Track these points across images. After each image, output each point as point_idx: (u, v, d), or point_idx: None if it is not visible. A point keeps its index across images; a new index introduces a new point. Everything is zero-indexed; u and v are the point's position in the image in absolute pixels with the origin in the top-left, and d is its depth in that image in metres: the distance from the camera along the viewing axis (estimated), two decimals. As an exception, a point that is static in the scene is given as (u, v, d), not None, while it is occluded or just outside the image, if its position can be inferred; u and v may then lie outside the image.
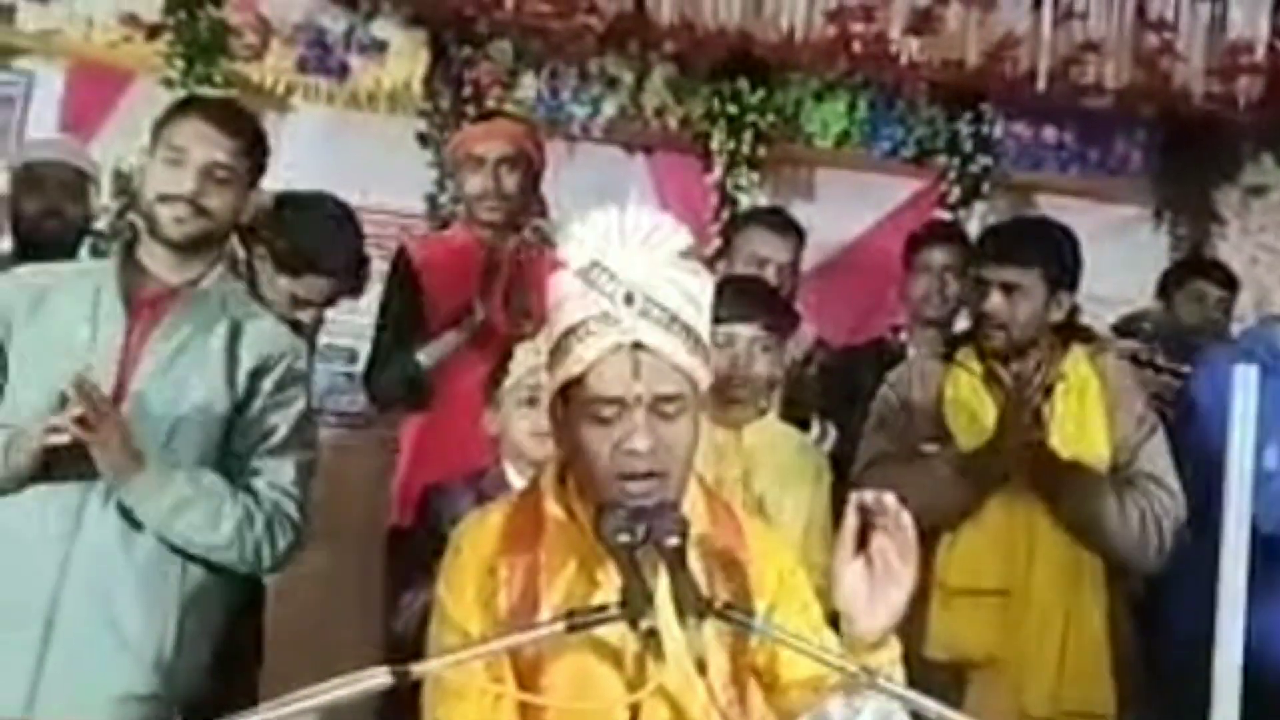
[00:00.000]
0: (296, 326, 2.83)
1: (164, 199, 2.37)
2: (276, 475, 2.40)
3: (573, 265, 1.65)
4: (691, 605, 1.51)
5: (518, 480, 2.48)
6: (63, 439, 2.21)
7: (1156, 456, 2.80)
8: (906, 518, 1.61)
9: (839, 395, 3.40)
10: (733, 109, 4.45)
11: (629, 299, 1.63)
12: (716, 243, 4.26)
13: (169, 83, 4.22)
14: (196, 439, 2.35)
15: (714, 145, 4.48)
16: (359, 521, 3.68)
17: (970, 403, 2.83)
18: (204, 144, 2.38)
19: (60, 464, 2.26)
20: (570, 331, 1.65)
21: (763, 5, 4.19)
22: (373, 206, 4.43)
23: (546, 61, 4.44)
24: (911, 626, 2.64)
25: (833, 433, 3.29)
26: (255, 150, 2.47)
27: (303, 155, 4.46)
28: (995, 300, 2.80)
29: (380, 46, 4.41)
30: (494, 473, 2.62)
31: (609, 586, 1.63)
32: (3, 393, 2.34)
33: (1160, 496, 2.76)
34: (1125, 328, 3.98)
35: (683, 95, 4.52)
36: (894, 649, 1.65)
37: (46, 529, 2.28)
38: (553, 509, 1.73)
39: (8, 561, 2.28)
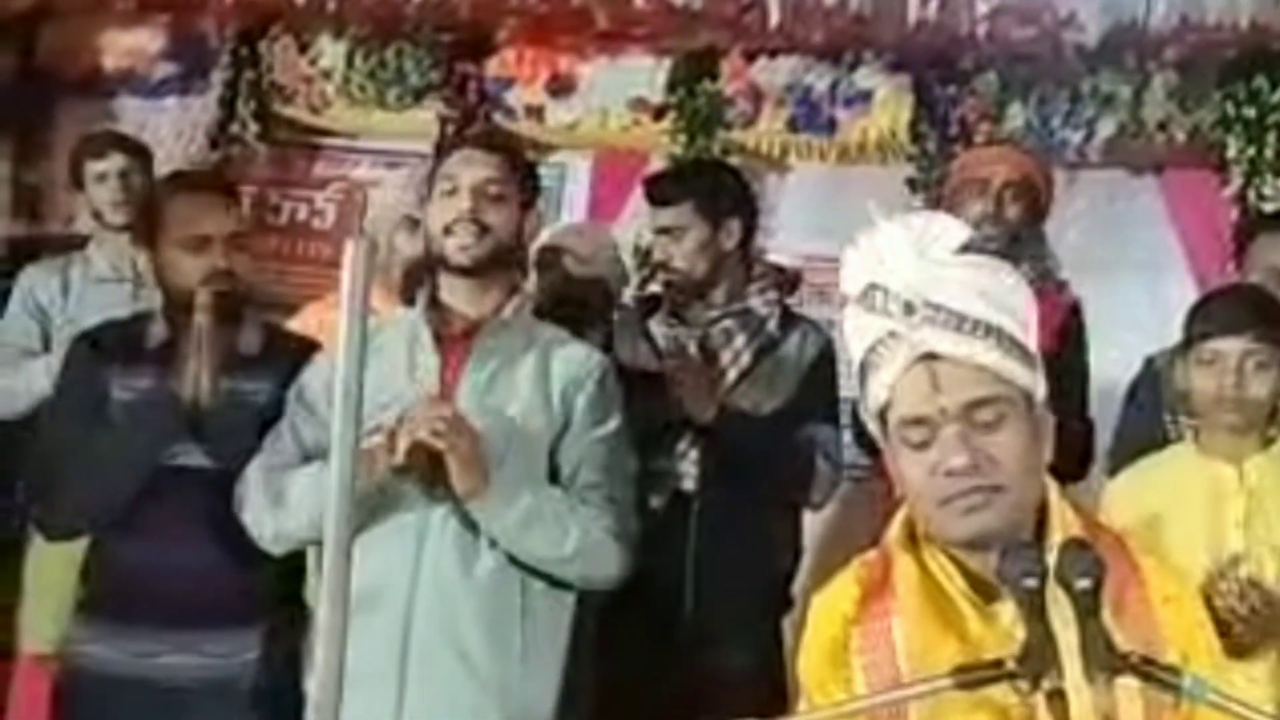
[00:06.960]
0: None
1: (446, 230, 2.49)
2: (608, 491, 2.46)
3: (852, 296, 1.56)
4: (1102, 659, 1.35)
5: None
6: (426, 439, 2.28)
7: None
8: None
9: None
10: (1249, 111, 3.99)
11: (909, 309, 1.51)
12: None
13: (674, 158, 4.41)
14: (520, 462, 2.42)
15: (1230, 154, 4.04)
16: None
17: None
18: (471, 166, 2.52)
19: (406, 476, 2.35)
20: (864, 364, 1.56)
21: (1280, -11, 3.78)
22: (865, 256, 4.46)
23: (1034, 87, 4.22)
24: None
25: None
26: (520, 171, 2.57)
27: (799, 213, 4.59)
28: None
29: (865, 97, 4.41)
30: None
31: (980, 642, 1.51)
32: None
33: None
34: None
35: (1189, 104, 4.11)
36: None
37: (392, 557, 2.36)
38: (902, 563, 1.59)
39: (362, 595, 2.40)
